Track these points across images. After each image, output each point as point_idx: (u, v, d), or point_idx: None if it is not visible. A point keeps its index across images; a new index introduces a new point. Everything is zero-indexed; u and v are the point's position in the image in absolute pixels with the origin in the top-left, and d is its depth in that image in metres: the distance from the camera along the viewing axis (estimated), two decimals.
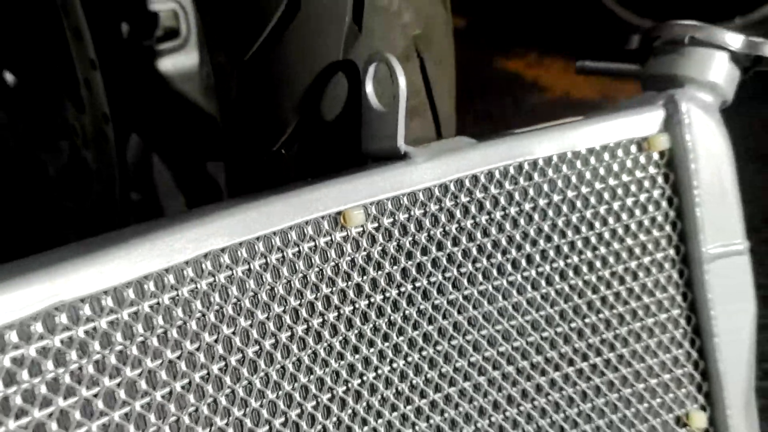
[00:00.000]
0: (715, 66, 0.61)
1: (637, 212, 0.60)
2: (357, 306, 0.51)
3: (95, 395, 0.40)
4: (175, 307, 0.43)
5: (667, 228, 0.61)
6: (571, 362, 0.59)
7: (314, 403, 0.49)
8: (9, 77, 0.99)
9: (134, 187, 0.92)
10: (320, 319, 0.49)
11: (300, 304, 0.48)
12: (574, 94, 2.18)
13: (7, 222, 1.02)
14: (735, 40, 0.60)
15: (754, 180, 1.65)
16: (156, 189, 1.07)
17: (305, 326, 0.49)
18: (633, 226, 0.60)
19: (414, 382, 0.53)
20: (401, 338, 0.52)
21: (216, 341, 0.45)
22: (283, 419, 0.48)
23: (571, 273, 0.58)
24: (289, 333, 0.48)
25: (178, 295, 0.43)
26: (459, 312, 0.54)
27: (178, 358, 0.43)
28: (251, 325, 0.46)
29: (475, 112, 2.10)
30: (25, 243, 0.96)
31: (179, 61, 0.93)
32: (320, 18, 0.54)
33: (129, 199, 0.84)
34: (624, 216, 0.60)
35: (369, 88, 0.56)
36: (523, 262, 0.56)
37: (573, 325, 0.58)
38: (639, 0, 2.29)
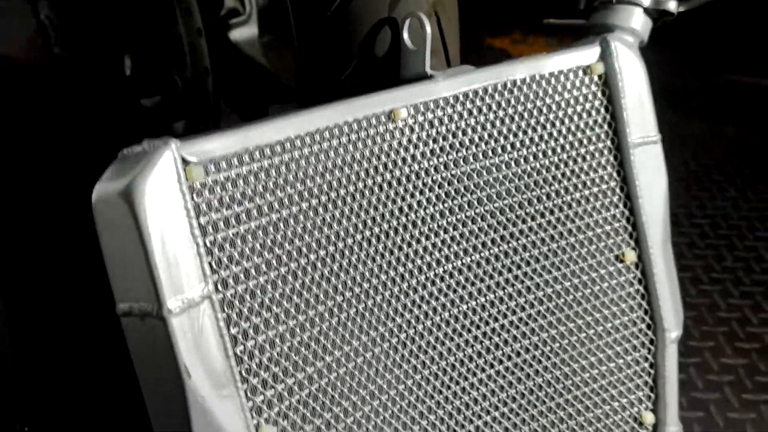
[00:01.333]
0: (633, 17, 0.90)
1: (584, 115, 0.89)
2: (402, 171, 0.80)
3: (264, 202, 0.69)
4: (299, 159, 0.72)
5: (605, 126, 0.91)
6: (542, 215, 0.88)
7: (384, 227, 0.78)
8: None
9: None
10: (381, 178, 0.79)
11: (369, 166, 0.78)
12: None
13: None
14: None
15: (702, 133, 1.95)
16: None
17: (372, 181, 0.78)
18: (581, 125, 0.89)
19: (439, 223, 0.82)
20: (430, 193, 0.82)
21: (322, 183, 0.74)
22: (369, 232, 0.77)
23: (540, 155, 0.87)
24: (363, 184, 0.77)
25: (302, 152, 0.73)
26: (467, 179, 0.84)
27: (303, 189, 0.73)
28: (341, 176, 0.76)
29: None
30: None
31: (245, 32, 1.22)
32: None
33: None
34: (575, 118, 0.89)
35: (406, 35, 0.85)
36: (508, 147, 0.86)
37: (543, 190, 0.88)
38: None
